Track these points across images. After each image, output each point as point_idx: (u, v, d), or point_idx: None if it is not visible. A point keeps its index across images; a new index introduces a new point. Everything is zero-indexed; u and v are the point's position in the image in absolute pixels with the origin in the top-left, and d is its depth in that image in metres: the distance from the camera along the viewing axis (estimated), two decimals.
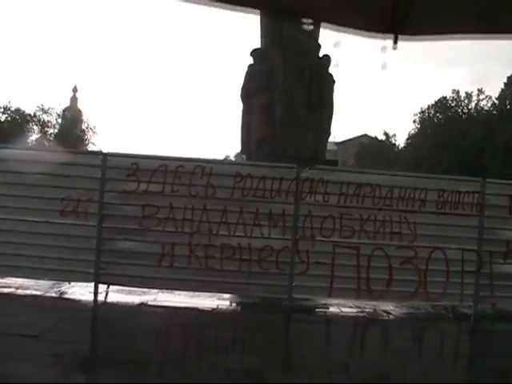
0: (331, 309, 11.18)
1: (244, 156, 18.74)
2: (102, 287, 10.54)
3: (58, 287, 11.07)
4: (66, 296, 10.70)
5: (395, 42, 3.03)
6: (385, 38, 3.05)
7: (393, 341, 9.64)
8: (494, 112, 53.51)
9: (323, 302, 11.32)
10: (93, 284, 10.38)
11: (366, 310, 10.97)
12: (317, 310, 11.14)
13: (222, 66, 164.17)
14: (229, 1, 3.17)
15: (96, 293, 10.35)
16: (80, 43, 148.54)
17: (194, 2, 3.17)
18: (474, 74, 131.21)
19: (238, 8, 3.15)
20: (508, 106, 51.08)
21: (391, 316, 10.81)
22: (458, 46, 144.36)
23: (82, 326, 8.92)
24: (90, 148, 58.39)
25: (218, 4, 3.13)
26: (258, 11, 3.60)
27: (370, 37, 3.10)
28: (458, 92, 58.46)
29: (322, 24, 3.21)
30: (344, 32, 3.11)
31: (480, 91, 57.92)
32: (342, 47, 3.66)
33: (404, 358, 8.34)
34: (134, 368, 6.89)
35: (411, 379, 7.37)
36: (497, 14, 3.19)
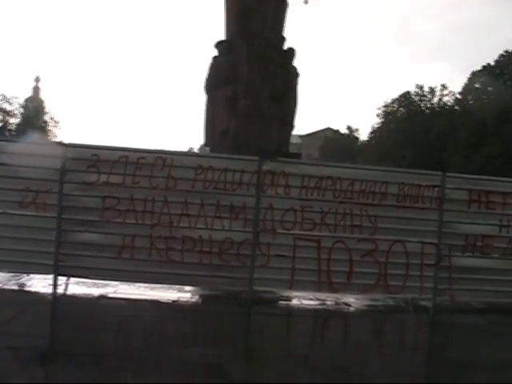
0: (292, 301, 11.21)
1: (208, 148, 18.69)
2: (61, 279, 10.42)
3: (16, 279, 10.93)
4: (25, 288, 10.58)
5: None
6: None
7: (353, 333, 9.71)
8: (457, 107, 54.17)
9: (284, 294, 11.34)
10: (52, 276, 10.26)
11: (327, 302, 11.02)
12: (278, 302, 11.16)
13: (187, 57, 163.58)
14: None
15: (55, 285, 10.23)
16: (43, 33, 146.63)
17: None
18: (439, 69, 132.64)
19: None
20: (470, 102, 51.71)
21: (351, 308, 10.89)
22: (422, 40, 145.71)
23: (41, 318, 8.84)
24: (53, 139, 57.77)
25: None
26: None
27: None
28: (421, 87, 59.09)
29: None
30: None
31: (444, 87, 58.62)
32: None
33: (364, 350, 8.40)
34: (94, 361, 6.82)
35: (371, 371, 7.44)
36: None
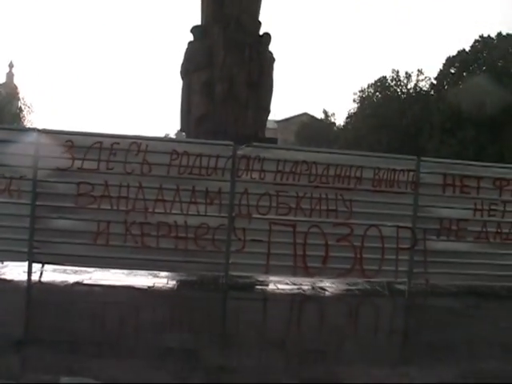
0: (268, 286, 11.24)
1: (184, 134, 18.63)
2: (36, 266, 10.34)
3: None
4: None
5: None
6: None
7: (329, 317, 9.76)
8: (432, 92, 54.40)
9: (260, 279, 11.38)
10: (27, 263, 10.18)
11: (303, 286, 11.06)
12: (254, 287, 11.18)
13: (164, 42, 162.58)
14: None
15: (30, 272, 10.15)
16: (16, 18, 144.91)
17: None
18: (414, 53, 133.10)
19: None
20: (446, 87, 51.94)
21: (327, 293, 10.94)
22: (401, 26, 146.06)
23: (15, 306, 8.77)
24: (27, 125, 57.28)
25: None
26: None
27: None
28: (397, 72, 59.19)
29: None
30: None
31: (420, 72, 58.77)
32: None
33: (339, 333, 8.45)
34: (69, 349, 6.78)
35: (346, 354, 7.49)
36: None
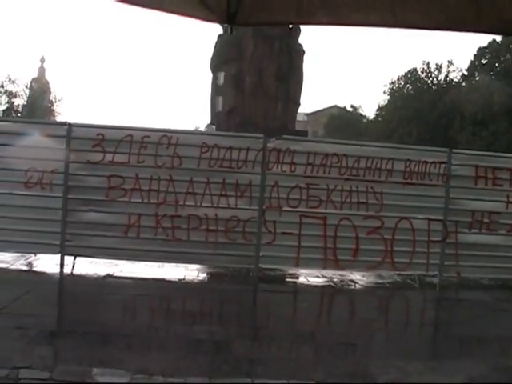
0: (298, 279, 11.22)
1: (214, 127, 18.71)
2: (68, 259, 10.44)
3: (24, 259, 10.97)
4: (32, 268, 10.63)
5: (231, 32, 3.53)
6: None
7: (359, 310, 9.72)
8: (464, 84, 53.85)
9: (290, 272, 11.36)
10: (59, 256, 10.28)
11: (333, 279, 11.03)
12: (284, 280, 11.17)
13: (194, 35, 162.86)
14: None
15: (62, 265, 10.25)
16: (49, 13, 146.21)
17: None
18: (446, 44, 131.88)
19: None
20: (477, 78, 51.38)
21: (358, 285, 10.89)
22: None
23: (48, 298, 8.86)
24: (58, 119, 57.81)
25: None
26: None
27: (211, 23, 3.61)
28: (428, 63, 58.70)
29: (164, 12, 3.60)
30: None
31: (450, 63, 58.24)
32: None
33: (370, 327, 8.41)
34: (101, 340, 6.85)
35: (377, 348, 7.46)
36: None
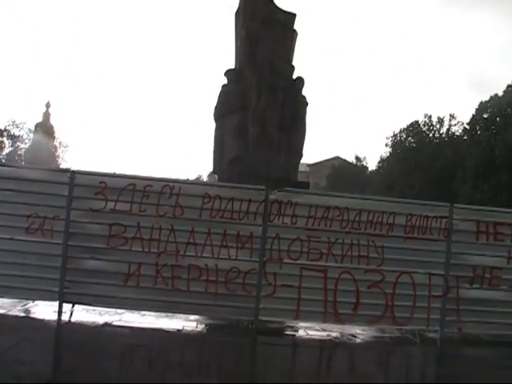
0: (298, 332, 11.12)
1: (216, 176, 18.74)
2: (66, 306, 10.38)
3: (22, 305, 10.90)
4: (30, 315, 10.55)
5: None
6: None
7: (359, 365, 9.62)
8: (465, 137, 54.16)
9: (290, 324, 11.26)
10: (57, 303, 10.22)
11: (333, 333, 10.93)
12: (283, 332, 11.07)
13: (197, 85, 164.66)
14: None
15: (60, 312, 10.19)
16: (55, 58, 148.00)
17: None
18: (448, 98, 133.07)
19: None
20: (478, 132, 51.68)
21: (358, 340, 10.79)
22: (431, 69, 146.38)
23: (45, 346, 8.79)
24: (62, 165, 58.15)
25: None
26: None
27: None
28: (429, 116, 59.17)
29: None
30: None
31: (452, 116, 58.70)
32: None
33: (370, 382, 8.31)
34: None
35: None
36: None
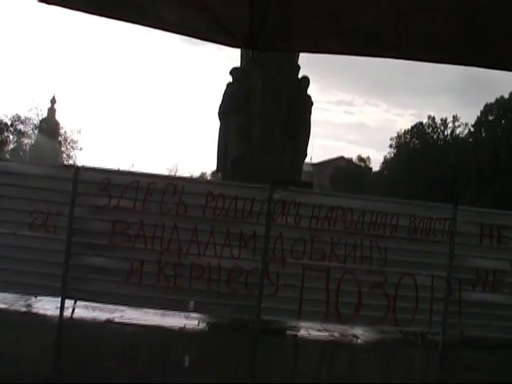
0: (300, 332, 11.12)
1: (220, 174, 18.74)
2: (68, 302, 10.38)
3: (24, 301, 10.91)
4: (32, 310, 10.56)
5: (252, 55, 3.61)
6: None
7: (360, 366, 9.62)
8: (470, 139, 54.13)
9: (292, 324, 11.26)
10: (59, 299, 10.22)
11: (335, 333, 10.93)
12: (285, 332, 11.07)
13: (204, 83, 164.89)
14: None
15: (62, 308, 10.16)
16: (61, 54, 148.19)
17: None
18: (452, 100, 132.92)
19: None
20: (483, 134, 51.64)
21: (359, 340, 10.79)
22: (437, 72, 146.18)
23: (46, 342, 8.80)
24: (67, 160, 58.23)
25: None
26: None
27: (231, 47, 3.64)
28: (433, 118, 59.18)
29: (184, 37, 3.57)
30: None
31: (455, 118, 58.69)
32: None
33: (371, 383, 8.32)
34: None
35: None
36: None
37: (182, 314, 10.89)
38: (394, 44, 3.55)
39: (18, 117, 59.88)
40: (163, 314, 10.78)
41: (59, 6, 3.22)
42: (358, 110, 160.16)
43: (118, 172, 10.74)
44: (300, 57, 17.97)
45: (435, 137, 58.22)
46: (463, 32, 3.32)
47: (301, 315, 10.53)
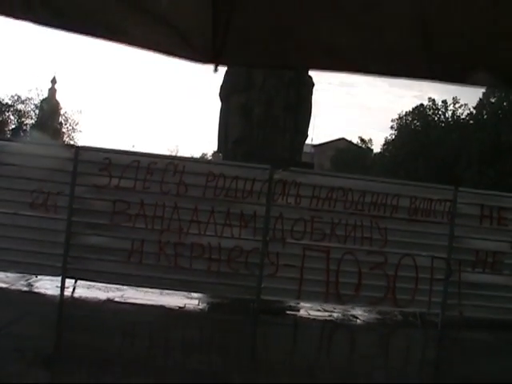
0: (299, 311, 11.17)
1: (221, 154, 18.74)
2: (69, 282, 10.41)
3: (25, 280, 10.95)
4: (33, 289, 10.61)
5: (216, 70, 3.59)
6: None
7: (359, 346, 9.67)
8: (471, 121, 53.96)
9: (292, 304, 11.30)
10: (60, 278, 10.25)
11: (334, 313, 10.97)
12: (285, 312, 11.12)
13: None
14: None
15: (63, 287, 10.19)
16: (62, 34, 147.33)
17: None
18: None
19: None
20: (485, 116, 51.46)
21: (359, 321, 10.83)
22: None
23: (47, 320, 8.83)
24: (68, 140, 58.17)
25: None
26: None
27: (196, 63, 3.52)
28: (433, 100, 58.94)
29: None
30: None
31: (455, 100, 58.45)
32: None
33: (369, 363, 8.35)
34: (98, 366, 6.82)
35: None
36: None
37: (182, 293, 10.92)
38: (353, 57, 3.52)
39: (19, 97, 59.75)
40: (163, 294, 10.81)
41: (25, 21, 3.15)
42: (359, 92, 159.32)
43: (119, 151, 10.71)
44: None
45: (436, 119, 57.97)
46: (414, 45, 3.30)
47: (301, 295, 10.54)
